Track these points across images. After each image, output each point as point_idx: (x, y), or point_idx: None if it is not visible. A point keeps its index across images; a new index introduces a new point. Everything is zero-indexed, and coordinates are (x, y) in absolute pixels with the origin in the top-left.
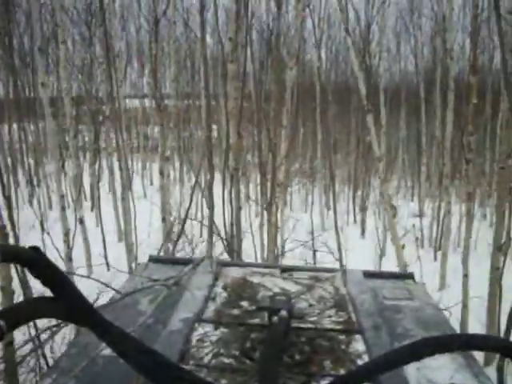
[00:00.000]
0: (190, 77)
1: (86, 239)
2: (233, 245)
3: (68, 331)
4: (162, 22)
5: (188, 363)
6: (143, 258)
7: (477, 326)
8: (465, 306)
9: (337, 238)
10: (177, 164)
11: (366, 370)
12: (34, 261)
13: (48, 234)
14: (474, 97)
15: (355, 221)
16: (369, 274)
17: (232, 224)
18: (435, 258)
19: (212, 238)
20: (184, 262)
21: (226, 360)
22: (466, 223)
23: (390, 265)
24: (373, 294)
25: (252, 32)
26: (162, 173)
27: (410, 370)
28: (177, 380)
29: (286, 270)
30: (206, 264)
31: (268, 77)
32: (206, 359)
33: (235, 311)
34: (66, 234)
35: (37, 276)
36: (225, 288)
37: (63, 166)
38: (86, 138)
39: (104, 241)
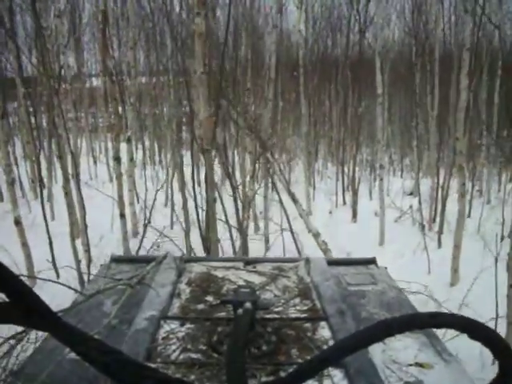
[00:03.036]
0: (156, 50)
1: (24, 244)
2: (208, 239)
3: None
4: None
5: (155, 361)
6: (99, 260)
7: None
8: (510, 324)
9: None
10: (147, 143)
11: (330, 355)
12: None
13: None
14: None
15: (344, 202)
16: (332, 262)
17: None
18: (439, 245)
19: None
20: (147, 259)
21: (194, 355)
22: None
23: (393, 256)
24: (336, 281)
25: None
26: (117, 159)
27: (376, 352)
28: (143, 378)
29: (250, 263)
30: (169, 261)
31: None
32: (174, 356)
33: (201, 306)
34: None
35: None
36: (189, 284)
37: None
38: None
39: (51, 243)
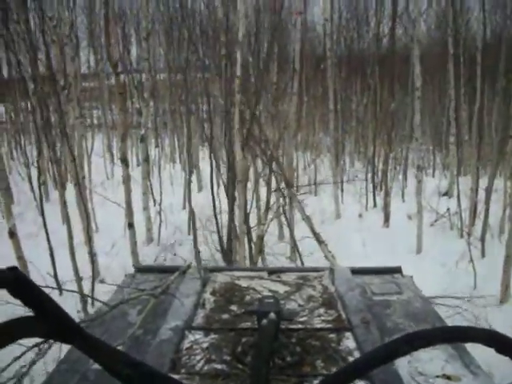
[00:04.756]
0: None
1: (20, 258)
2: (229, 250)
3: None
4: None
5: (179, 372)
6: (107, 271)
7: None
8: None
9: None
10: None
11: (355, 368)
12: (14, 282)
13: None
14: None
15: (375, 205)
16: (356, 271)
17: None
18: (483, 254)
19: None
20: (171, 269)
21: (218, 366)
22: None
23: (432, 266)
24: (361, 291)
25: None
26: (124, 160)
27: (401, 363)
28: None
29: (274, 272)
30: (193, 271)
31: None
32: (198, 366)
33: (225, 316)
34: None
35: (17, 296)
36: (213, 293)
37: None
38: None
39: (52, 255)
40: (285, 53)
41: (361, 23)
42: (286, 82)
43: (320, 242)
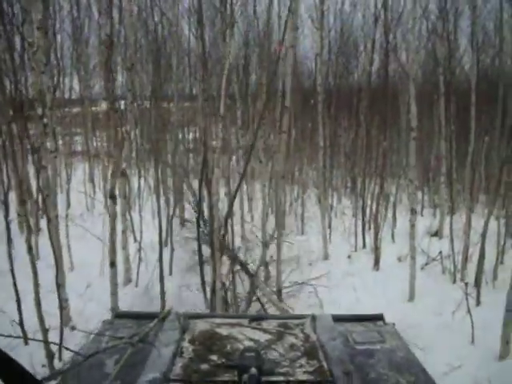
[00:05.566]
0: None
1: None
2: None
3: None
4: None
5: None
6: (80, 318)
7: None
8: None
9: None
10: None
11: None
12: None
13: None
14: None
15: (364, 245)
16: (338, 318)
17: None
18: (478, 302)
19: None
20: (150, 316)
21: None
22: None
23: (427, 315)
24: (343, 340)
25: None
26: (112, 196)
27: None
28: None
29: (255, 320)
30: (172, 317)
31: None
32: None
33: (204, 366)
34: None
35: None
36: (192, 342)
37: None
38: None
39: (18, 301)
40: (273, 87)
41: (350, 58)
42: (276, 119)
43: None
